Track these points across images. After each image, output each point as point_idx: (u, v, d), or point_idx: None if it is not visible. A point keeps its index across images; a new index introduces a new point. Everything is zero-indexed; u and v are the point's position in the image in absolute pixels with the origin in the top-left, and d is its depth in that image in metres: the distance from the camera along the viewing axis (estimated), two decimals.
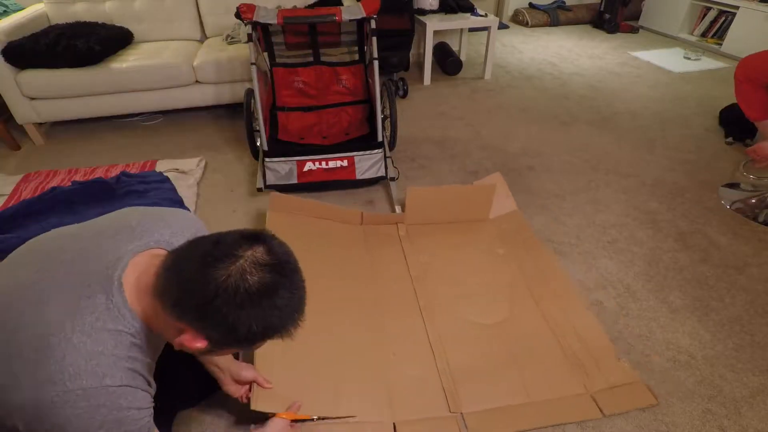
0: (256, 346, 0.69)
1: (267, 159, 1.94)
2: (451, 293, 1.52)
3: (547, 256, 1.67)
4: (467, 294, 1.52)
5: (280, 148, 2.13)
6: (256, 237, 0.65)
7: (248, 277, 0.61)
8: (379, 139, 1.99)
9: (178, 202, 1.90)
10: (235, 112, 2.82)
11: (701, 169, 2.24)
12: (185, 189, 2.03)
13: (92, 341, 0.63)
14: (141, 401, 0.68)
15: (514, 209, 1.89)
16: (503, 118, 2.77)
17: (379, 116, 2.01)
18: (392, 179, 2.04)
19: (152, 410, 0.71)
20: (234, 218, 1.91)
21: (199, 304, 0.61)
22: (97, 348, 0.63)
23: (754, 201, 1.96)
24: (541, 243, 1.73)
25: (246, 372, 1.07)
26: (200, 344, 0.64)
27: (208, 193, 2.09)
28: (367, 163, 1.99)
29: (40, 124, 2.52)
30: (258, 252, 0.63)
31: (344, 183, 2.03)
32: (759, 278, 1.60)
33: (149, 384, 0.72)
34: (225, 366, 1.04)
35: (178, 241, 0.75)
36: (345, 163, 1.98)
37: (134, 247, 0.73)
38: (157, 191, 1.91)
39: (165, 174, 2.05)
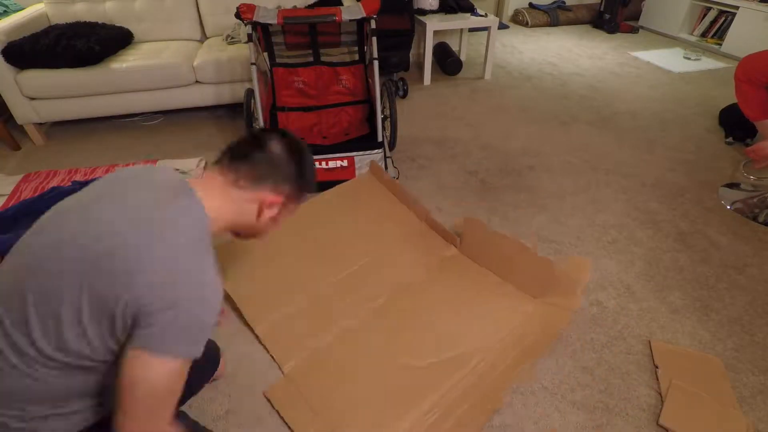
0: (303, 198, 0.95)
1: None
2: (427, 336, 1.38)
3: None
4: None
5: None
6: (271, 130, 0.91)
7: (286, 143, 0.88)
8: (379, 139, 1.99)
9: None
10: (235, 112, 2.82)
11: (701, 169, 2.24)
12: None
13: (191, 227, 0.75)
14: (221, 294, 0.78)
15: (573, 308, 1.46)
16: (503, 118, 2.77)
17: (379, 116, 2.01)
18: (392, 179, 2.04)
19: None
20: None
21: (272, 168, 0.86)
22: (198, 234, 0.76)
23: (754, 201, 1.96)
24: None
25: None
26: (279, 200, 0.87)
27: None
28: (368, 163, 1.99)
29: (40, 124, 2.52)
30: (279, 134, 0.90)
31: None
32: (759, 278, 1.60)
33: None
34: None
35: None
36: (345, 163, 1.98)
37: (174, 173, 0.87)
38: None
39: None
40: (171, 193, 0.77)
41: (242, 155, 0.86)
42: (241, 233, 0.94)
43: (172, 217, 0.74)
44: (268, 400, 1.21)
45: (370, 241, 1.69)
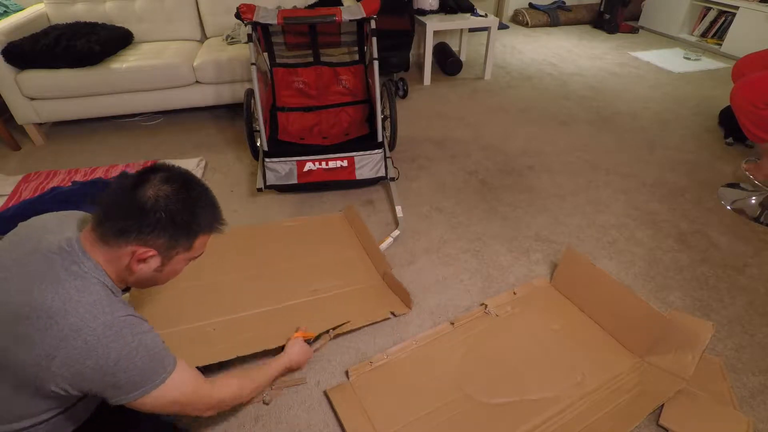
0: (196, 241, 0.85)
1: (267, 159, 1.94)
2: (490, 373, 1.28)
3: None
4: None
5: (280, 148, 2.13)
6: (154, 168, 0.82)
7: (164, 185, 0.78)
8: (379, 139, 1.99)
9: None
10: (235, 112, 2.82)
11: (701, 169, 2.24)
12: None
13: (87, 294, 0.74)
14: (147, 325, 0.80)
15: (685, 377, 1.20)
16: (503, 118, 2.77)
17: (379, 116, 2.01)
18: (392, 179, 2.04)
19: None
20: (235, 218, 1.91)
21: (136, 220, 0.76)
22: (94, 297, 0.74)
23: (754, 201, 1.96)
24: None
25: (293, 348, 1.23)
26: (151, 253, 0.79)
27: None
28: (367, 163, 1.99)
29: (40, 124, 2.52)
30: (160, 174, 0.80)
31: (344, 183, 2.03)
32: (759, 278, 1.60)
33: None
34: (287, 362, 1.20)
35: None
36: (345, 163, 1.98)
37: (70, 231, 0.83)
38: None
39: None
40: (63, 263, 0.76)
41: (105, 206, 0.78)
42: (135, 286, 0.89)
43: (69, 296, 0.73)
44: (328, 399, 1.21)
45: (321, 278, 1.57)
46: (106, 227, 0.77)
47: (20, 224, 0.86)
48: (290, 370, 1.24)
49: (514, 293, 1.53)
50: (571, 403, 1.19)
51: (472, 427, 1.14)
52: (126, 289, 0.89)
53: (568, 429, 1.13)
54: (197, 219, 0.83)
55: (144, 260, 0.80)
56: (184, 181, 0.82)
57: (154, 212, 0.76)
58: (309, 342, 1.30)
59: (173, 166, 0.83)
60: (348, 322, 1.38)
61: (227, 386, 0.96)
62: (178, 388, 0.82)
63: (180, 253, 0.84)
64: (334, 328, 1.36)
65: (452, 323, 1.42)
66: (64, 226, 0.83)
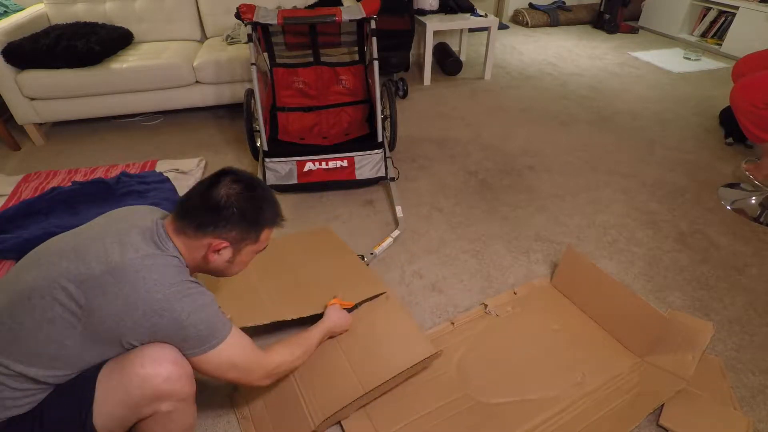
0: (262, 234, 0.97)
1: (267, 159, 1.94)
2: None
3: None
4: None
5: (280, 148, 2.13)
6: (224, 171, 0.93)
7: (234, 185, 0.91)
8: (379, 139, 1.99)
9: None
10: (235, 112, 2.82)
11: (701, 169, 2.24)
12: (185, 189, 2.00)
13: (167, 261, 0.85)
14: (209, 292, 0.89)
15: (685, 377, 1.19)
16: (503, 119, 2.77)
17: (379, 116, 2.01)
18: (392, 179, 2.04)
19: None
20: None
21: (213, 216, 0.89)
22: (172, 264, 0.86)
23: (754, 201, 1.96)
24: None
25: (333, 314, 1.26)
26: (224, 245, 0.91)
27: None
28: (367, 164, 1.99)
29: (40, 124, 2.52)
30: (230, 176, 0.92)
31: (344, 183, 2.03)
32: (759, 278, 1.60)
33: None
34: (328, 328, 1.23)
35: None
36: (345, 163, 1.98)
37: (157, 215, 0.95)
38: (157, 191, 1.91)
39: (165, 174, 2.05)
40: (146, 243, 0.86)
41: (185, 202, 0.91)
42: (206, 272, 0.99)
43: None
44: None
45: None
46: (186, 222, 0.89)
47: (112, 211, 0.96)
48: (332, 335, 1.26)
49: (515, 293, 1.53)
50: (571, 402, 1.19)
51: (471, 426, 1.14)
52: None
53: (568, 428, 1.13)
54: (263, 214, 0.95)
55: (218, 251, 0.91)
56: (250, 181, 0.94)
57: (227, 208, 0.89)
58: (348, 311, 1.33)
59: (240, 169, 0.95)
60: (384, 293, 1.40)
61: (278, 353, 1.03)
62: (236, 348, 0.90)
63: (249, 245, 0.96)
64: (371, 298, 1.39)
65: (452, 323, 1.42)
66: (152, 213, 0.95)
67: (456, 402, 1.20)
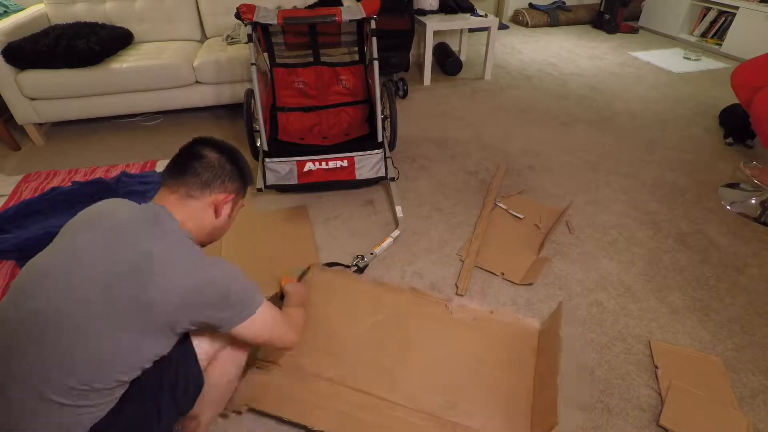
0: (247, 190, 1.07)
1: (267, 159, 1.94)
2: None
3: None
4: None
5: (280, 148, 2.13)
6: (198, 141, 0.99)
7: (216, 150, 0.98)
8: (379, 139, 1.99)
9: None
10: (235, 112, 2.82)
11: (701, 169, 2.24)
12: None
13: (185, 242, 0.87)
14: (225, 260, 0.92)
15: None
16: (503, 119, 2.77)
17: (379, 116, 2.00)
18: (392, 179, 2.04)
19: None
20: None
21: (215, 173, 0.95)
22: (189, 245, 0.88)
23: (753, 201, 1.96)
24: None
25: (293, 289, 1.32)
26: (230, 197, 0.99)
27: None
28: (367, 164, 1.99)
29: (40, 124, 2.52)
30: (209, 143, 0.99)
31: (344, 183, 2.03)
32: (759, 278, 1.60)
33: None
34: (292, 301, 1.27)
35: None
36: (345, 163, 1.98)
37: (144, 203, 0.97)
38: (156, 191, 1.91)
39: None
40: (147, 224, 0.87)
41: (183, 169, 0.94)
42: (204, 241, 1.01)
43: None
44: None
45: None
46: (191, 184, 0.92)
47: (88, 208, 0.94)
48: (302, 305, 1.32)
49: (491, 312, 1.43)
50: (411, 410, 1.15)
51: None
52: None
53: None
54: (247, 169, 1.04)
55: (224, 205, 0.97)
56: (224, 145, 1.02)
57: (223, 166, 0.96)
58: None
59: (218, 141, 1.01)
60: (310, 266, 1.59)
61: (297, 315, 1.12)
62: (272, 308, 0.96)
63: (241, 198, 1.05)
64: (309, 267, 1.59)
65: (414, 288, 1.51)
66: (130, 204, 0.94)
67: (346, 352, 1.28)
